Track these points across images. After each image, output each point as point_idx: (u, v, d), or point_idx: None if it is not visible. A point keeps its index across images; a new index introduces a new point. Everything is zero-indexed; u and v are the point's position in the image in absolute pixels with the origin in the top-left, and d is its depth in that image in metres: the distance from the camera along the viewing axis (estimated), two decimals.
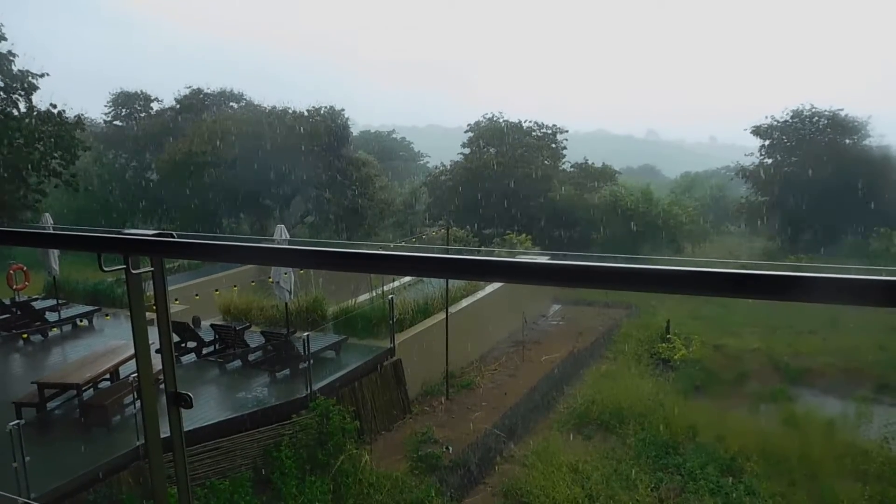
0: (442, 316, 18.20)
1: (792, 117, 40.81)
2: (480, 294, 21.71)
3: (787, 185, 38.53)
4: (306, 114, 38.55)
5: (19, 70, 27.05)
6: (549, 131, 43.95)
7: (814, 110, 40.29)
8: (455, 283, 19.99)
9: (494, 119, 44.15)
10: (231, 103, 45.85)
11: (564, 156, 44.55)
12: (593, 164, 44.11)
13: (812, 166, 36.84)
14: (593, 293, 26.48)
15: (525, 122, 44.03)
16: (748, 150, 42.92)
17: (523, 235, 32.11)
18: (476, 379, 19.22)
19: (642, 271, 1.08)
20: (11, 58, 26.91)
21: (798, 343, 21.96)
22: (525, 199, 39.60)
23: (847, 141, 39.31)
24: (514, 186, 39.53)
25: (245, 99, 46.56)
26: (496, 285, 21.79)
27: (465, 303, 20.87)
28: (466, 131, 44.92)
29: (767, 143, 41.55)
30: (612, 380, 18.60)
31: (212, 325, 16.22)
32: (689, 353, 20.60)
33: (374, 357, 16.09)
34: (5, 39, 26.74)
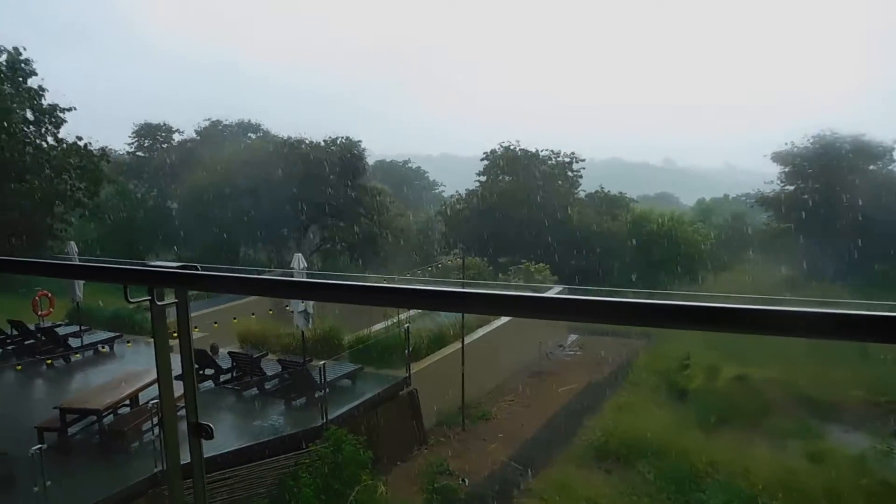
0: (457, 345, 18.13)
1: (813, 143, 40.36)
2: (496, 324, 21.62)
3: (809, 211, 37.93)
4: (322, 144, 39.03)
5: (49, 104, 27.81)
6: (566, 159, 44.08)
7: (835, 136, 39.91)
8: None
9: (510, 147, 44.36)
10: (249, 134, 46.66)
11: (580, 184, 44.58)
12: (609, 192, 44.07)
13: (835, 193, 36.40)
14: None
15: (541, 150, 44.21)
16: (767, 176, 42.53)
17: (540, 264, 32.01)
18: (492, 410, 19.06)
19: (658, 307, 1.10)
20: (41, 92, 27.67)
21: (824, 375, 21.40)
22: (541, 227, 39.57)
23: (871, 167, 38.84)
24: (530, 214, 39.54)
25: (262, 129, 47.36)
26: None
27: (480, 332, 20.78)
28: (482, 159, 45.16)
29: (788, 169, 41.13)
30: (631, 411, 18.35)
31: (229, 353, 16.30)
32: (708, 385, 20.29)
33: (389, 386, 16.03)
34: (35, 75, 27.55)
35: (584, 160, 44.59)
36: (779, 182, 41.66)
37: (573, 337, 27.43)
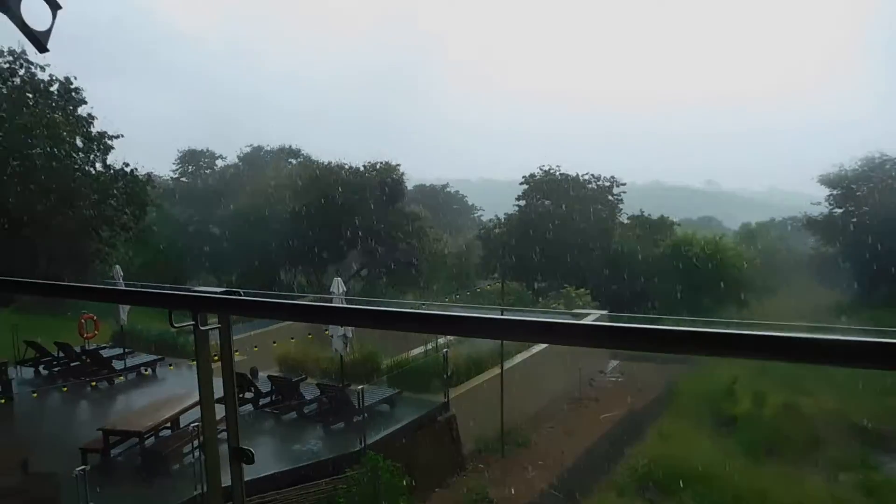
0: (496, 371, 17.99)
1: (861, 165, 39.44)
2: (535, 349, 21.40)
3: (859, 235, 36.76)
4: (362, 169, 39.55)
5: (97, 132, 28.83)
6: (606, 183, 43.74)
7: (884, 157, 38.89)
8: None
9: (550, 171, 44.22)
10: (290, 159, 47.58)
11: (621, 208, 44.12)
12: (650, 215, 43.51)
13: (886, 215, 35.29)
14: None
15: (581, 174, 43.96)
16: (813, 198, 41.59)
17: (581, 290, 31.68)
18: (532, 436, 18.79)
19: (701, 335, 1.07)
20: (90, 120, 28.72)
21: (878, 403, 20.55)
22: (581, 251, 39.21)
23: None
24: (571, 239, 39.22)
25: (303, 155, 48.26)
26: None
27: (519, 358, 20.59)
28: (521, 183, 45.06)
29: (836, 191, 40.17)
30: (674, 439, 17.89)
31: (269, 377, 16.47)
32: (755, 412, 19.66)
33: (428, 412, 15.97)
34: (85, 103, 28.62)
35: (624, 184, 44.18)
36: (827, 205, 40.66)
37: (614, 363, 26.97)
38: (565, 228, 39.88)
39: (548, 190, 43.47)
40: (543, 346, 21.67)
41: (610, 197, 43.62)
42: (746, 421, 19.37)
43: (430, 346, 20.14)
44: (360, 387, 14.55)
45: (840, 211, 39.88)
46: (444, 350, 17.14)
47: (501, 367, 17.95)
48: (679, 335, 1.08)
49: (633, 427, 19.58)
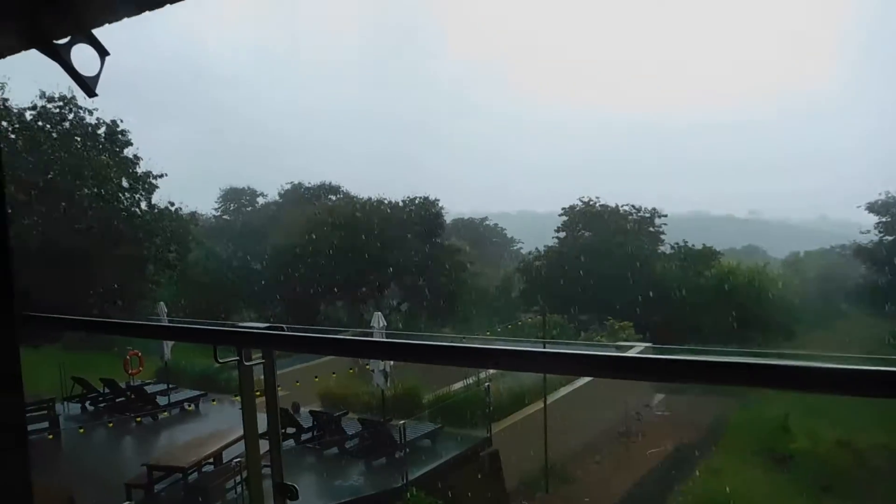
0: (540, 405, 17.73)
1: None
2: (579, 382, 21.04)
3: None
4: (401, 204, 39.92)
5: (143, 172, 29.86)
6: (647, 214, 43.29)
7: None
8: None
9: (590, 203, 44.00)
10: (329, 195, 48.39)
11: (663, 239, 43.52)
12: (693, 245, 42.79)
13: None
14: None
15: (622, 205, 43.63)
16: (863, 227, 40.53)
17: (624, 322, 31.18)
18: (577, 472, 18.38)
19: (749, 367, 1.05)
20: (136, 160, 29.79)
21: None
22: (623, 283, 38.60)
23: None
24: (612, 271, 38.72)
25: (342, 191, 49.05)
26: None
27: (563, 391, 20.26)
28: (560, 215, 44.88)
29: (886, 219, 39.07)
30: (725, 476, 17.29)
31: (310, 412, 16.52)
32: (809, 449, 18.91)
33: (470, 447, 15.78)
34: (131, 145, 29.73)
35: (665, 215, 43.68)
36: (876, 232, 39.50)
37: (660, 396, 26.31)
38: (606, 260, 39.44)
39: (588, 222, 43.23)
40: (587, 379, 21.32)
41: (651, 228, 43.12)
42: (803, 457, 18.63)
43: (471, 381, 19.98)
44: (401, 422, 14.48)
45: (891, 238, 38.70)
46: (486, 384, 16.98)
47: (545, 401, 17.69)
48: (725, 367, 1.06)
49: (681, 462, 19.01)
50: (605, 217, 42.85)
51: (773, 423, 21.20)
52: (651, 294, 37.71)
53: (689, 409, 23.93)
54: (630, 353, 1.22)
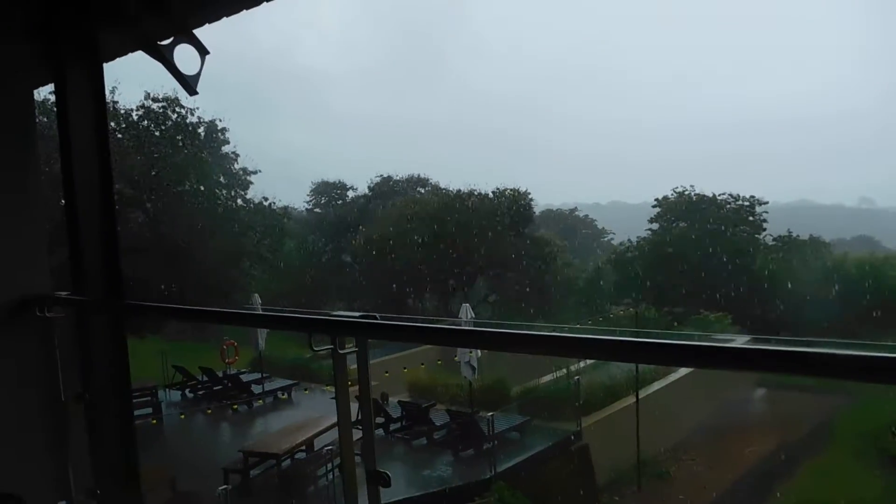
0: (632, 399, 17.30)
1: None
2: (673, 376, 20.39)
3: None
4: (491, 195, 39.82)
5: (240, 168, 31.22)
6: (746, 203, 41.26)
7: None
8: (645, 365, 18.99)
9: (685, 193, 42.39)
10: (418, 188, 48.92)
11: (765, 229, 41.36)
12: (798, 236, 40.43)
13: None
14: (804, 377, 23.63)
15: (719, 195, 41.76)
16: None
17: (720, 314, 29.92)
18: (671, 469, 17.82)
19: (858, 359, 0.96)
20: (234, 157, 31.17)
21: None
22: (721, 275, 37.00)
23: None
24: (709, 262, 37.18)
25: (431, 183, 49.43)
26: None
27: (656, 386, 19.70)
28: (654, 206, 43.51)
29: None
30: (833, 477, 16.30)
31: (399, 402, 16.80)
32: None
33: (559, 441, 15.61)
34: (228, 143, 31.12)
35: (766, 202, 41.49)
36: None
37: (761, 391, 25.10)
38: (703, 251, 37.90)
39: (682, 212, 41.67)
40: (682, 373, 20.64)
41: (751, 217, 41.05)
42: None
43: (560, 373, 19.76)
44: (489, 413, 14.49)
45: None
46: (576, 377, 16.74)
47: (637, 395, 17.25)
48: (832, 359, 0.97)
49: (784, 462, 18.04)
50: (701, 206, 41.17)
51: (886, 421, 19.76)
52: (751, 286, 35.99)
53: (793, 406, 22.65)
54: (733, 344, 1.15)
